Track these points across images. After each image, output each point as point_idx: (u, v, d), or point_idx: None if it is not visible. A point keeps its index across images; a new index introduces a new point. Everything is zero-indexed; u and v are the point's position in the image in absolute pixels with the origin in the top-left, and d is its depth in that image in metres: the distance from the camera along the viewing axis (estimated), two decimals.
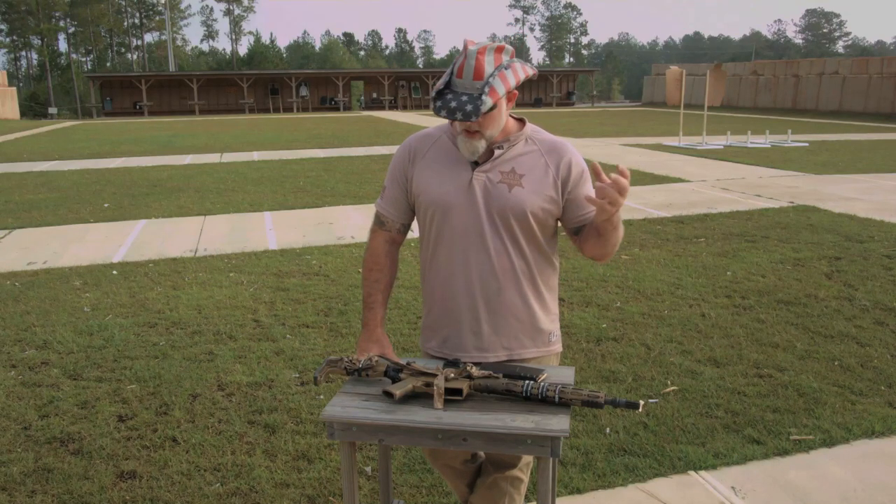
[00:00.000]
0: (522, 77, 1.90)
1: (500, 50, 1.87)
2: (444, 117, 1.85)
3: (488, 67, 1.83)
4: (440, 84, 1.88)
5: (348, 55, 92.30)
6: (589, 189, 2.03)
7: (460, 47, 1.93)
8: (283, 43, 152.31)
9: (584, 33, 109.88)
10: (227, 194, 10.99)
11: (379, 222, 2.17)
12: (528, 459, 2.21)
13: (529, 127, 2.06)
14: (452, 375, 1.84)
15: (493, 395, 1.85)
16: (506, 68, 1.85)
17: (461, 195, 1.99)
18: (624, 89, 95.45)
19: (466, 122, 1.87)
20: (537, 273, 2.07)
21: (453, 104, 1.82)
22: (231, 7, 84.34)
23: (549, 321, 2.15)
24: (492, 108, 1.86)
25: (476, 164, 2.00)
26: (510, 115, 2.03)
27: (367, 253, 2.19)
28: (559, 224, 2.11)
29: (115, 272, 6.53)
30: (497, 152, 1.98)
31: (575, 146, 2.11)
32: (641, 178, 12.21)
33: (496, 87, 1.82)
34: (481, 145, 1.94)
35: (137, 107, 42.71)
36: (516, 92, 1.93)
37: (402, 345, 4.57)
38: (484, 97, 1.81)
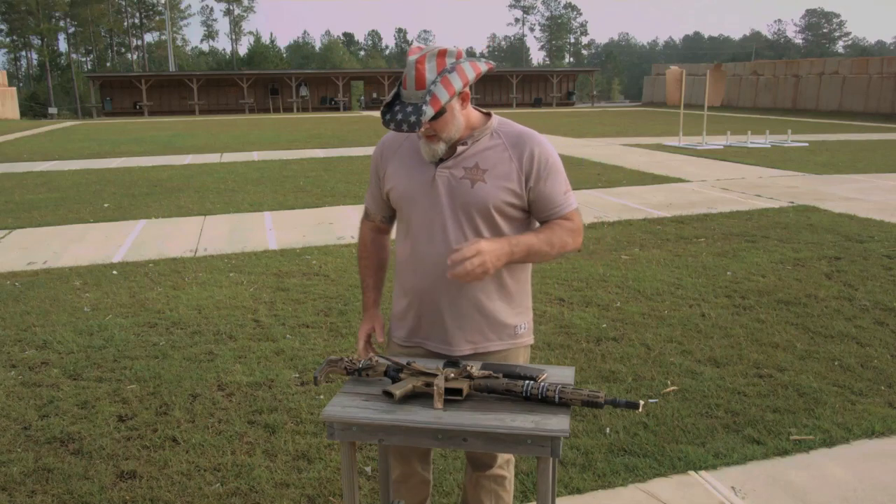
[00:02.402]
0: (472, 76, 1.90)
1: (442, 54, 1.86)
2: (393, 129, 1.87)
3: (429, 75, 1.84)
4: (388, 97, 1.91)
5: (348, 55, 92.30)
6: (555, 182, 2.02)
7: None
8: (283, 43, 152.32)
9: (584, 33, 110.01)
10: (227, 194, 10.99)
11: (365, 214, 2.30)
12: (507, 457, 2.24)
13: (496, 120, 2.06)
14: (452, 375, 1.84)
15: (493, 395, 1.85)
16: (449, 72, 1.85)
17: (425, 191, 2.03)
18: (624, 89, 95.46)
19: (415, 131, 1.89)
20: (502, 267, 2.07)
21: (399, 116, 1.85)
22: (231, 7, 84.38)
23: (516, 314, 2.14)
24: (440, 114, 1.88)
25: (441, 160, 2.02)
26: (476, 109, 2.04)
27: (358, 242, 2.34)
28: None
29: (115, 272, 6.53)
30: (460, 148, 2.00)
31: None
32: (641, 178, 12.21)
33: (438, 94, 1.83)
34: (440, 148, 1.96)
35: (137, 107, 42.70)
36: (468, 92, 1.94)
37: None
38: (425, 107, 1.82)
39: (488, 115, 2.07)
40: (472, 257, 1.84)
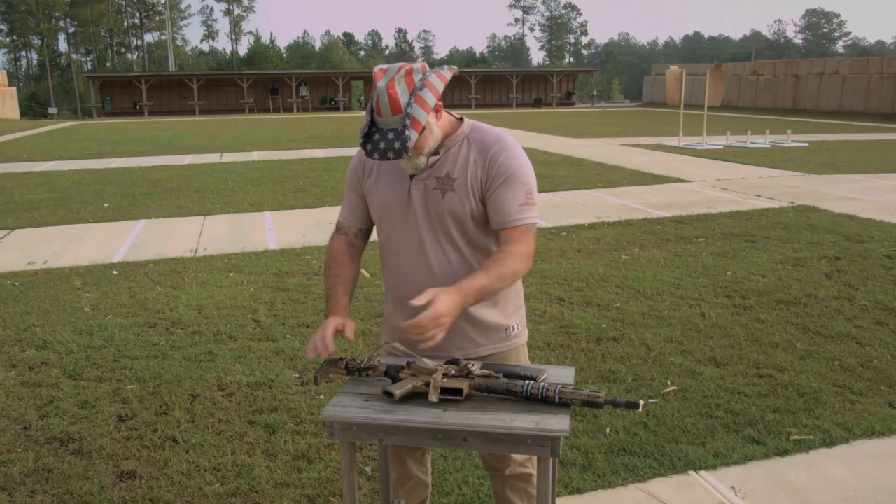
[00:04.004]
0: (441, 87, 1.87)
1: (409, 73, 1.84)
2: (378, 160, 1.85)
3: (402, 97, 1.81)
4: (364, 126, 1.87)
5: (348, 55, 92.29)
6: (511, 190, 1.96)
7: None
8: (283, 43, 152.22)
9: (584, 33, 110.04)
10: (227, 194, 10.99)
11: (337, 229, 2.22)
12: (526, 456, 2.21)
13: (468, 125, 2.03)
14: (453, 372, 1.84)
15: (493, 395, 1.85)
16: (420, 90, 1.83)
17: (401, 204, 2.03)
18: (624, 89, 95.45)
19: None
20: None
21: (382, 145, 1.82)
22: (231, 7, 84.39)
23: (505, 316, 2.13)
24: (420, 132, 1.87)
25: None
26: (449, 114, 2.02)
27: (326, 256, 2.21)
28: None
29: (115, 272, 6.53)
30: (432, 159, 1.99)
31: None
32: (641, 178, 12.21)
33: (417, 115, 1.81)
34: (422, 161, 1.95)
35: (137, 107, 42.70)
36: (441, 104, 1.91)
37: None
38: (408, 132, 1.79)
39: (461, 119, 2.04)
40: (430, 322, 1.79)
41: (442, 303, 1.79)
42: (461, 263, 2.03)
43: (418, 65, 1.87)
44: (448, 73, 1.93)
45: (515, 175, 1.97)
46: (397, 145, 1.80)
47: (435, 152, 1.98)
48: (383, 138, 1.82)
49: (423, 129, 1.86)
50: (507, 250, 1.95)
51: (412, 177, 2.01)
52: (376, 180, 2.08)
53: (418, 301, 1.79)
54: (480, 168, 1.98)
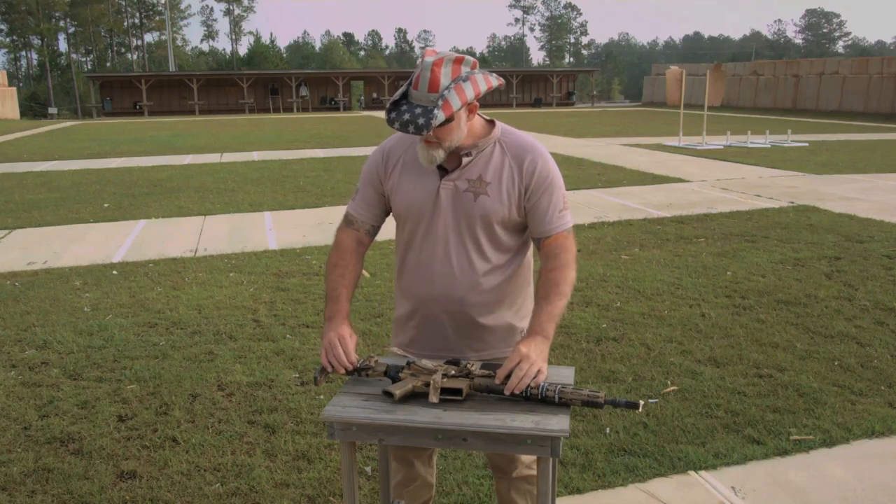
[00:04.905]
0: (483, 89, 1.87)
1: (458, 61, 1.84)
2: (397, 129, 1.83)
3: (444, 80, 1.80)
4: (396, 95, 1.86)
5: (348, 55, 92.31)
6: (552, 198, 1.99)
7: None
8: (283, 43, 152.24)
9: (584, 33, 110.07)
10: (227, 194, 10.99)
11: (347, 222, 2.16)
12: (533, 458, 2.21)
13: (500, 129, 2.03)
14: (453, 372, 1.84)
15: (493, 395, 1.85)
16: (464, 80, 1.83)
17: (429, 203, 2.01)
18: (624, 89, 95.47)
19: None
20: (504, 276, 2.07)
21: (406, 116, 1.80)
22: (231, 7, 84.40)
23: (520, 318, 2.13)
24: (447, 121, 1.84)
25: (445, 171, 1.99)
26: (481, 116, 2.01)
27: (332, 250, 2.16)
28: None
29: (115, 272, 6.53)
30: (465, 160, 1.98)
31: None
32: (641, 178, 12.21)
33: (451, 100, 1.80)
34: (439, 155, 1.93)
35: (137, 107, 42.71)
36: (476, 104, 1.91)
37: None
38: (436, 111, 1.78)
39: (492, 122, 2.04)
40: (517, 367, 1.79)
41: (522, 345, 1.84)
42: (482, 264, 2.03)
43: (470, 59, 1.87)
44: (495, 81, 1.92)
45: (554, 182, 2.00)
46: (421, 121, 1.78)
47: (467, 153, 1.97)
48: (410, 111, 1.81)
49: (452, 118, 1.84)
50: (555, 266, 1.97)
51: (442, 176, 1.99)
52: (399, 179, 2.05)
53: (505, 370, 1.80)
54: (517, 175, 1.98)
